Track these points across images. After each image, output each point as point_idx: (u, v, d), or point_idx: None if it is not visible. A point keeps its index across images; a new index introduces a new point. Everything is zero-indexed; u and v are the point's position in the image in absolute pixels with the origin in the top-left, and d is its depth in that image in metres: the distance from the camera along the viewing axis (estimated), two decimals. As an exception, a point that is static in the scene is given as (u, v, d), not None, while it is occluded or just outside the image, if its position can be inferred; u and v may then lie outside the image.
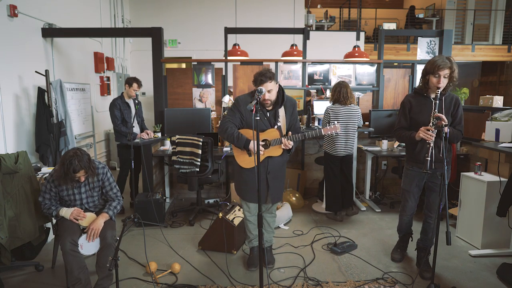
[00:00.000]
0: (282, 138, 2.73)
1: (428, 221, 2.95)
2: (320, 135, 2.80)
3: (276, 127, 2.81)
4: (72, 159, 2.47)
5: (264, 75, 2.66)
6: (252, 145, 2.71)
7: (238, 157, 2.88)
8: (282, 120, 2.84)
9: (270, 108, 2.83)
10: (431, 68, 2.59)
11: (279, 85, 2.81)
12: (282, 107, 2.86)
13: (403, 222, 3.11)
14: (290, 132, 2.81)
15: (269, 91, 2.70)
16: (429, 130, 2.56)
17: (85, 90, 5.36)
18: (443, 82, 2.58)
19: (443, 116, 2.49)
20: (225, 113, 5.06)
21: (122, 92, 4.45)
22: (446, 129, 2.48)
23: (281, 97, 2.81)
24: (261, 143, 2.77)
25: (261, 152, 2.75)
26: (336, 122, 2.86)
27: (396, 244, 3.25)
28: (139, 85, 4.39)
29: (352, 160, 4.26)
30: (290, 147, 2.74)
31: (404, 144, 4.44)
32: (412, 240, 3.24)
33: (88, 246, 2.56)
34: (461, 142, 4.50)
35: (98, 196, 2.77)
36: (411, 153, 2.85)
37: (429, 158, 2.51)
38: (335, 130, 2.79)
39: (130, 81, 4.35)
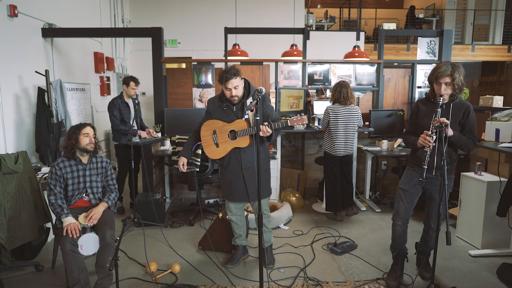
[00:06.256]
0: (261, 126, 2.66)
1: (429, 233, 2.87)
2: (286, 126, 2.78)
3: (244, 119, 2.84)
4: (78, 124, 2.80)
5: (228, 72, 2.72)
6: (180, 161, 2.91)
7: (206, 148, 2.91)
8: (249, 113, 2.85)
9: (236, 103, 2.86)
10: (432, 76, 2.56)
11: (244, 79, 2.86)
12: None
13: (396, 234, 2.83)
14: (266, 122, 2.75)
15: (235, 88, 2.75)
16: (427, 135, 2.49)
17: (85, 90, 5.36)
18: (445, 90, 2.53)
19: (444, 120, 2.42)
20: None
21: (121, 92, 4.44)
22: (447, 131, 2.44)
23: (247, 90, 2.87)
24: (228, 133, 2.86)
25: (227, 143, 2.85)
26: (303, 113, 2.88)
27: (391, 268, 2.87)
28: (137, 83, 4.37)
29: (352, 160, 4.27)
30: (269, 134, 2.69)
31: (404, 145, 4.45)
32: (408, 261, 2.97)
33: (87, 246, 2.54)
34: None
35: (101, 184, 2.85)
36: (414, 155, 2.77)
37: (425, 166, 2.47)
38: (301, 122, 2.79)
39: (127, 80, 4.33)
